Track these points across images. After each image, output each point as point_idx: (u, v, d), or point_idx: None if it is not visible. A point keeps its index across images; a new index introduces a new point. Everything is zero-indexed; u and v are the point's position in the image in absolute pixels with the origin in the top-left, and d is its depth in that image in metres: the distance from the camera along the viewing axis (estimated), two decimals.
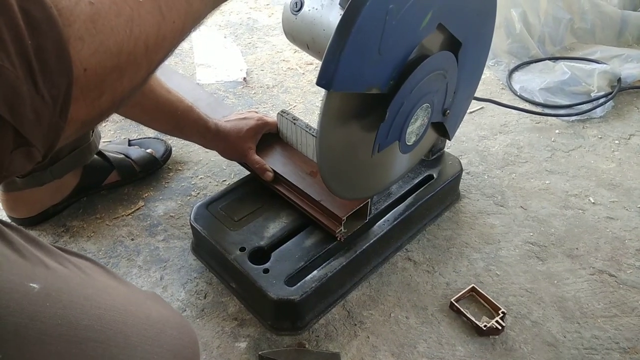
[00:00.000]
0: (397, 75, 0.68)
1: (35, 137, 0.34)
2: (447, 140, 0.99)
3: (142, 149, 1.07)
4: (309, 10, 0.73)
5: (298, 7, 0.72)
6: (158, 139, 1.13)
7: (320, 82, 0.61)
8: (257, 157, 0.91)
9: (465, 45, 0.75)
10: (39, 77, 0.32)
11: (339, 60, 0.59)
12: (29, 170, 0.40)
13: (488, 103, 1.28)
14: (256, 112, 0.99)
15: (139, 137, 1.15)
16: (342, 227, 0.80)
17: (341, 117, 0.68)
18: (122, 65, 0.38)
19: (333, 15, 0.73)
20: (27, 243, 0.46)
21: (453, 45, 0.75)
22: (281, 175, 0.88)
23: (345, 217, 0.80)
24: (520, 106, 1.28)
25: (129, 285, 0.55)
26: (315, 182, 0.86)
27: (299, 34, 0.78)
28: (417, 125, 0.77)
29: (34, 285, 0.41)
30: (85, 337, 0.42)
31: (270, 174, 0.88)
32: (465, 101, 0.90)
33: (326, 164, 0.72)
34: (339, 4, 0.72)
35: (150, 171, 1.07)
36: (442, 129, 0.87)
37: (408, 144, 0.78)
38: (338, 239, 0.81)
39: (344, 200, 0.82)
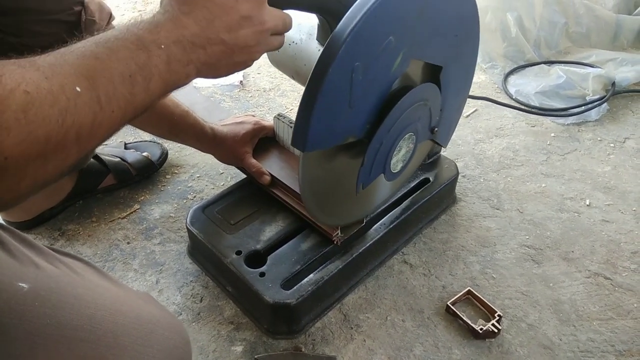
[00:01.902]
0: (372, 120, 0.68)
1: None
2: None
3: (138, 152, 1.07)
4: (289, 44, 0.75)
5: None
6: (154, 142, 1.12)
7: (294, 144, 0.63)
8: (253, 160, 0.91)
9: (446, 67, 0.75)
10: None
11: (310, 123, 0.60)
12: None
13: (484, 106, 1.29)
14: (253, 116, 0.99)
15: (135, 140, 1.15)
16: (338, 231, 0.80)
17: (323, 159, 0.69)
18: (48, 153, 0.38)
19: (312, 50, 0.74)
20: (18, 243, 0.45)
21: (433, 69, 0.75)
22: (278, 179, 0.88)
23: None
24: (516, 110, 1.29)
25: (121, 286, 0.54)
26: None
27: (283, 66, 0.80)
28: (402, 153, 0.77)
29: (23, 285, 0.41)
30: (75, 336, 0.42)
31: (267, 178, 0.88)
32: (456, 112, 0.90)
33: (311, 200, 0.73)
34: (316, 38, 0.72)
35: (146, 174, 1.07)
36: (435, 140, 0.87)
37: (394, 172, 0.79)
38: (335, 242, 0.81)
39: None
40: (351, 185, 0.75)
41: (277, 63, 0.80)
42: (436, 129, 0.81)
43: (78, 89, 0.39)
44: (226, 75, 0.54)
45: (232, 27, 0.49)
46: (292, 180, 0.87)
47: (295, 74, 0.79)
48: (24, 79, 0.36)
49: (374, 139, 0.68)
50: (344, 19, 0.58)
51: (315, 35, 0.72)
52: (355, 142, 0.69)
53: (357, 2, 0.59)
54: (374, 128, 0.68)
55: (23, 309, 0.40)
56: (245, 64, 0.54)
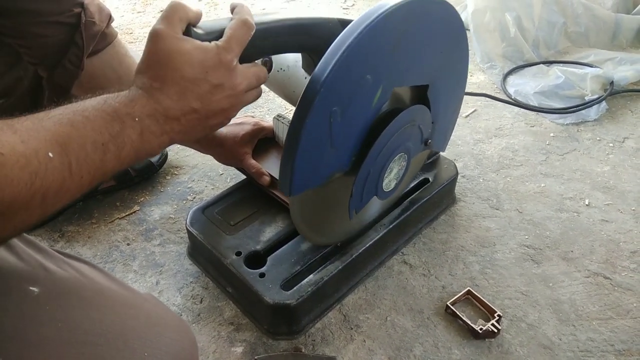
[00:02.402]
0: (357, 153, 0.69)
1: None
2: None
3: None
4: (277, 71, 0.76)
5: (267, 67, 0.74)
6: None
7: (281, 189, 0.65)
8: (253, 161, 0.91)
9: (433, 83, 0.75)
10: None
11: (294, 168, 0.62)
12: None
13: (483, 106, 1.29)
14: (252, 117, 0.99)
15: None
16: None
17: (313, 192, 0.70)
18: (10, 213, 0.38)
19: (299, 77, 0.75)
20: (26, 247, 0.46)
21: (420, 88, 0.75)
22: (277, 180, 0.88)
23: None
24: (515, 111, 1.29)
25: (128, 288, 0.55)
26: None
27: (275, 90, 0.82)
28: (393, 173, 0.78)
29: (34, 288, 0.41)
30: (85, 340, 0.43)
31: (267, 178, 0.89)
32: (451, 118, 0.90)
33: (305, 225, 0.74)
34: (302, 67, 0.73)
35: (146, 176, 1.07)
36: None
37: (387, 191, 0.79)
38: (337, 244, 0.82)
39: None
40: (344, 203, 0.75)
41: (269, 86, 0.82)
42: (429, 140, 0.82)
43: (51, 154, 0.40)
44: (203, 137, 0.55)
45: (204, 97, 0.51)
46: None
47: (287, 98, 0.81)
48: (1, 138, 0.37)
49: (360, 171, 0.69)
50: (318, 65, 0.59)
51: (300, 64, 0.73)
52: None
53: (332, 45, 0.59)
54: (360, 160, 0.69)
55: (34, 313, 0.40)
56: (222, 124, 0.56)
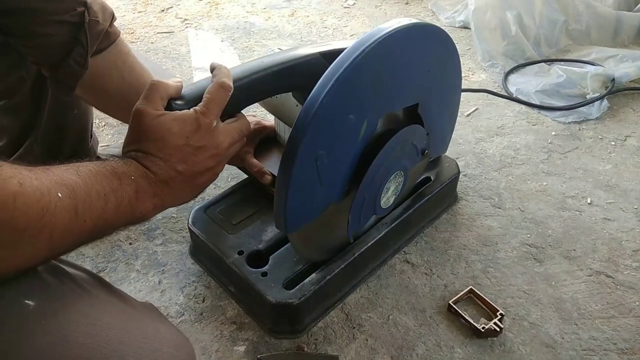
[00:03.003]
0: (349, 183, 0.70)
1: None
2: None
3: None
4: (274, 97, 0.78)
5: None
6: None
7: (277, 227, 0.68)
8: (255, 160, 0.91)
9: (423, 101, 0.76)
10: None
11: (286, 211, 0.65)
12: None
13: (484, 105, 1.29)
14: (254, 116, 0.99)
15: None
16: None
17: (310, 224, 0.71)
18: (21, 244, 0.42)
19: (291, 105, 0.77)
20: None
21: (409, 108, 0.76)
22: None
23: None
24: (516, 109, 1.29)
25: (126, 299, 0.54)
26: None
27: (271, 112, 0.84)
28: (391, 190, 0.78)
29: (29, 302, 0.41)
30: (80, 355, 0.42)
31: (269, 177, 0.88)
32: (447, 124, 0.90)
33: (304, 251, 0.76)
34: (292, 96, 0.75)
35: None
36: None
37: (386, 207, 0.80)
38: None
39: None
40: (343, 231, 0.76)
41: (265, 107, 0.84)
42: (426, 151, 0.82)
43: (60, 194, 0.44)
44: (193, 198, 0.60)
45: (188, 160, 0.56)
46: None
47: (283, 120, 0.83)
48: (20, 173, 0.42)
49: (355, 199, 0.70)
50: (298, 116, 0.61)
51: (291, 93, 0.75)
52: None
53: (313, 90, 0.61)
54: (354, 188, 0.70)
55: (29, 326, 0.40)
56: (210, 181, 0.61)
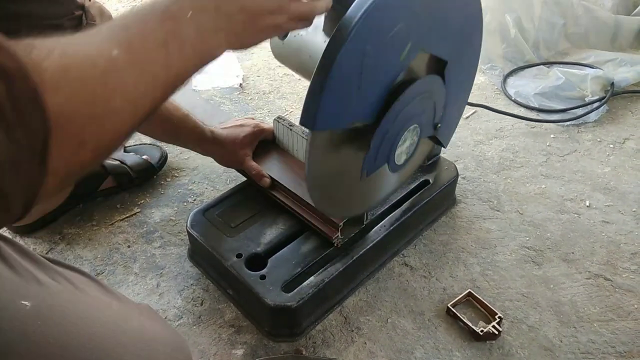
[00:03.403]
0: (379, 107, 0.69)
1: (13, 189, 0.33)
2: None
3: (138, 155, 1.07)
4: (294, 36, 0.75)
5: (281, 35, 0.73)
6: (154, 145, 1.13)
7: (303, 122, 0.64)
8: (253, 163, 0.91)
9: (451, 62, 0.76)
10: (14, 126, 0.31)
11: (320, 102, 0.61)
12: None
13: (482, 108, 1.29)
14: (253, 119, 1.00)
15: (135, 143, 1.15)
16: (338, 233, 0.81)
17: (329, 145, 0.69)
18: (99, 115, 0.38)
19: (318, 42, 0.74)
20: (20, 257, 0.45)
21: (438, 63, 0.75)
22: (278, 182, 0.88)
23: (342, 223, 0.80)
24: (515, 111, 1.29)
25: (123, 300, 0.54)
26: None
27: (287, 59, 0.80)
28: (406, 145, 0.78)
29: (26, 302, 0.41)
30: (77, 356, 0.42)
31: (267, 180, 0.89)
32: (457, 111, 0.90)
33: (317, 192, 0.73)
34: (323, 30, 0.72)
35: (146, 177, 1.07)
36: (437, 139, 0.87)
37: (398, 164, 0.79)
38: (335, 244, 0.82)
39: None
40: (356, 177, 0.75)
41: (281, 56, 0.80)
42: (439, 124, 0.82)
43: (115, 51, 0.39)
44: (254, 43, 0.54)
45: None
46: (292, 182, 0.87)
47: (299, 67, 0.79)
48: (58, 44, 0.36)
49: (381, 125, 0.69)
50: (353, 4, 0.59)
51: (321, 27, 0.72)
52: (361, 132, 0.70)
53: None
54: (381, 115, 0.69)
55: (25, 328, 0.40)
56: (271, 29, 0.54)
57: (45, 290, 0.44)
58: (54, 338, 0.41)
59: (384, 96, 0.68)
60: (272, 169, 0.90)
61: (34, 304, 0.41)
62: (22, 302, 0.41)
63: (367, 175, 0.74)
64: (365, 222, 0.85)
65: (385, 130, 0.71)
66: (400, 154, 0.78)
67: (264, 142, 0.96)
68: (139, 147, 1.12)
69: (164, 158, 1.10)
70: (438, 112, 0.80)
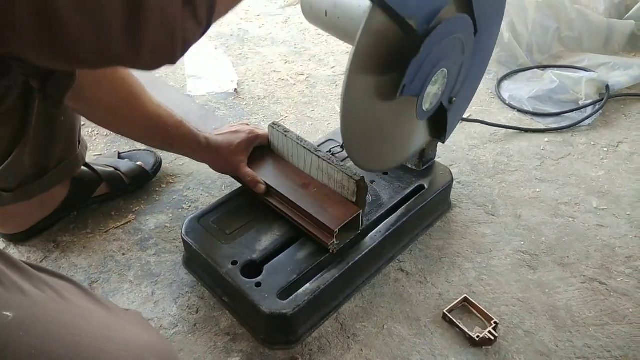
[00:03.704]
0: (432, 19, 0.70)
1: None
2: (438, 149, 1.00)
3: (132, 162, 1.07)
4: None
5: None
6: (148, 151, 1.12)
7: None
8: (248, 170, 0.91)
9: (479, 34, 0.79)
10: None
11: None
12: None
13: (478, 111, 1.29)
14: (247, 125, 0.99)
15: (129, 149, 1.14)
16: (334, 239, 0.80)
17: (365, 94, 0.71)
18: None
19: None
20: (4, 266, 0.45)
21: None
22: (273, 188, 0.88)
23: (337, 229, 0.80)
24: (509, 115, 1.29)
25: (110, 308, 0.54)
26: (307, 194, 0.86)
27: (317, 1, 0.79)
28: (434, 89, 0.79)
29: (8, 313, 0.40)
30: None
31: (262, 187, 0.88)
32: (464, 102, 0.93)
33: (349, 131, 0.74)
34: None
35: (140, 183, 1.06)
36: (440, 126, 0.89)
37: (424, 108, 0.80)
38: (330, 251, 0.81)
39: (336, 212, 0.82)
40: (388, 129, 0.78)
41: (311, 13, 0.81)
42: (454, 99, 0.84)
43: None
44: None
45: None
46: (287, 188, 0.87)
47: (331, 7, 0.78)
48: None
49: (430, 37, 0.70)
50: None
51: None
52: (391, 84, 0.72)
53: None
54: (430, 31, 0.70)
55: (8, 338, 0.39)
56: None
57: (29, 300, 0.44)
58: (36, 349, 0.41)
59: (437, 13, 0.70)
60: (267, 175, 0.90)
61: (16, 314, 0.41)
62: (4, 312, 0.40)
63: (403, 92, 0.73)
64: (360, 228, 0.85)
65: (424, 56, 0.71)
66: (427, 97, 0.79)
67: (259, 149, 0.96)
68: (133, 153, 1.12)
69: (158, 164, 1.10)
70: (458, 82, 0.83)
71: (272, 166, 0.93)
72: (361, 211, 0.83)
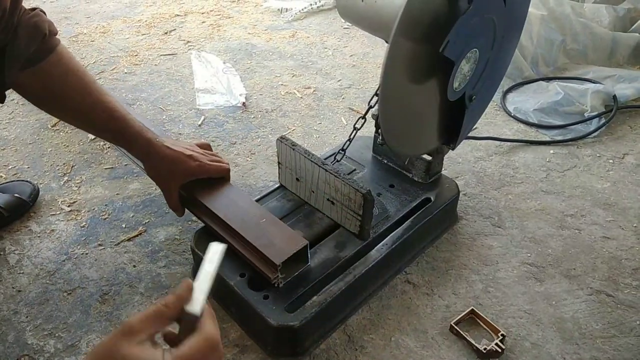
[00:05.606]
0: None
1: None
2: (444, 162, 1.01)
3: (8, 194, 1.06)
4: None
5: None
6: (23, 181, 1.12)
7: None
8: (176, 199, 0.90)
9: (504, 37, 0.84)
10: None
11: None
12: None
13: (483, 123, 1.30)
14: (206, 149, 0.95)
15: (5, 181, 1.14)
16: (278, 273, 0.77)
17: (406, 80, 0.75)
18: None
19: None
20: None
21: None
22: (221, 219, 0.85)
23: (281, 264, 0.76)
24: (514, 127, 1.30)
25: None
26: (256, 226, 0.82)
27: (361, 18, 0.81)
28: (465, 69, 0.81)
29: None
30: None
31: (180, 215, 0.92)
32: (479, 110, 0.95)
33: (386, 111, 0.77)
34: None
35: (19, 213, 1.06)
36: (454, 127, 0.90)
37: (455, 87, 0.82)
38: (275, 285, 0.78)
39: (282, 245, 0.79)
40: (420, 112, 0.83)
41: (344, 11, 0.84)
42: (474, 97, 0.86)
43: None
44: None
45: None
46: (236, 219, 0.84)
47: (381, 28, 0.80)
48: None
49: (474, 3, 0.72)
50: None
51: None
52: (429, 70, 0.77)
53: None
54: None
55: None
56: None
57: None
58: None
59: None
60: (217, 205, 0.87)
61: None
62: None
63: (444, 49, 0.73)
64: (309, 262, 0.83)
65: (472, 15, 0.73)
66: (459, 76, 0.81)
67: (218, 180, 0.92)
68: (8, 185, 1.11)
69: (35, 192, 1.10)
70: (484, 72, 0.85)
71: (224, 196, 0.90)
72: (307, 243, 0.80)
